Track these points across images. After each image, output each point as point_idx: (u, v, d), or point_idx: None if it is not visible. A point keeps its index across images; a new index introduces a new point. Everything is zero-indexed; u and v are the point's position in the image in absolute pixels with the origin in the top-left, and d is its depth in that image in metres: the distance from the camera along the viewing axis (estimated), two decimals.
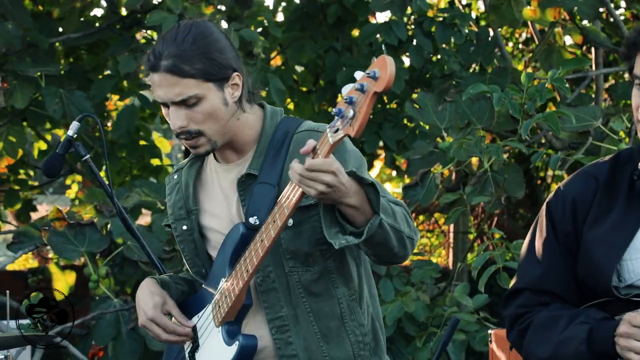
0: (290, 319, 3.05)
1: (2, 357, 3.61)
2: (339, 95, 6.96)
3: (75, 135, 3.52)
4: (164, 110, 3.06)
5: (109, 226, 5.59)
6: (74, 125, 3.55)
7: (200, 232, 3.20)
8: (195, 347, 3.18)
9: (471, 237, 8.88)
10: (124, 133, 6.69)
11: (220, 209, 3.15)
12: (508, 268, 5.02)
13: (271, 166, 2.99)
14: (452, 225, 8.78)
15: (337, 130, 2.68)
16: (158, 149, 7.61)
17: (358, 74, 2.65)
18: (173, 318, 3.17)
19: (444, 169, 5.63)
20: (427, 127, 6.04)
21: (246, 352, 3.01)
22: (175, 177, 3.28)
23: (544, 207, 2.89)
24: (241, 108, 3.09)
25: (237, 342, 3.01)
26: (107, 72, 6.67)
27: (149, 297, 3.15)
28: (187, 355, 3.20)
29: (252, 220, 2.99)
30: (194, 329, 3.18)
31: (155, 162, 7.74)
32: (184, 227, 3.21)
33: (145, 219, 6.67)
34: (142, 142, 7.57)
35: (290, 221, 2.93)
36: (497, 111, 5.25)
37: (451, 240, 9.35)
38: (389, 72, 2.58)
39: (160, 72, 2.99)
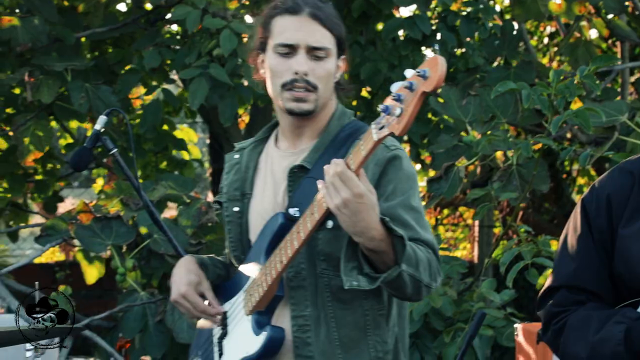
0: (313, 320, 3.02)
1: (32, 347, 3.64)
2: (362, 89, 6.98)
3: (103, 129, 3.55)
4: (276, 59, 3.03)
5: (135, 219, 5.62)
6: (102, 119, 3.58)
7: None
8: (224, 333, 3.18)
9: (496, 230, 8.86)
10: (150, 127, 6.72)
11: (267, 195, 3.13)
12: (536, 264, 5.01)
13: (326, 163, 2.89)
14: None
15: (382, 127, 2.66)
16: (183, 141, 7.63)
17: (408, 72, 2.63)
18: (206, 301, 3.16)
19: (469, 164, 5.62)
20: (451, 120, 6.03)
21: (273, 344, 3.01)
22: (237, 156, 3.25)
23: (578, 204, 2.84)
24: (332, 91, 3.11)
25: (265, 333, 3.01)
26: (132, 66, 6.69)
27: (184, 274, 3.15)
28: (215, 341, 3.21)
29: (292, 211, 2.97)
30: (224, 315, 3.18)
31: (184, 154, 7.78)
32: (235, 209, 3.18)
33: (170, 212, 6.71)
34: (171, 133, 7.61)
35: (330, 223, 2.91)
36: (522, 105, 5.24)
37: (476, 233, 9.35)
38: (439, 72, 2.56)
39: (302, 14, 3.02)
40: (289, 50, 3.01)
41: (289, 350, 3.05)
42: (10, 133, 6.45)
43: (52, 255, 11.31)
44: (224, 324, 3.18)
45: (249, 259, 3.13)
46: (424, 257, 2.91)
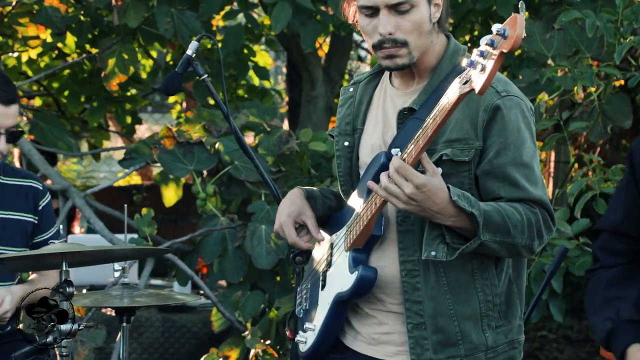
0: (422, 265, 3.00)
1: (120, 268, 3.76)
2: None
3: (194, 55, 3.59)
4: (364, 20, 3.00)
5: (217, 146, 5.67)
6: (193, 44, 3.62)
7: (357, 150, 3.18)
8: (328, 264, 3.20)
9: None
10: (231, 52, 6.73)
11: (377, 132, 3.13)
12: (605, 194, 5.00)
13: (433, 103, 2.84)
14: (552, 155, 8.71)
15: (466, 82, 2.65)
16: (265, 70, 7.64)
17: (494, 27, 2.62)
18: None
19: (549, 98, 5.55)
20: (533, 54, 5.94)
21: (364, 283, 3.01)
22: (351, 89, 3.24)
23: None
24: (436, 31, 3.05)
25: (357, 272, 3.02)
26: None
27: (287, 206, 3.20)
28: (320, 272, 3.24)
29: (394, 151, 2.89)
30: (331, 246, 3.21)
31: (265, 84, 7.78)
32: (346, 144, 3.18)
33: (248, 140, 6.76)
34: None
35: (440, 170, 2.85)
36: (607, 40, 5.15)
37: (551, 169, 9.29)
38: (517, 33, 2.55)
39: None
40: (372, 11, 2.96)
41: (397, 291, 3.05)
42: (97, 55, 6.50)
43: (129, 178, 11.49)
44: (330, 254, 3.20)
45: (355, 193, 3.14)
46: (520, 219, 2.90)
